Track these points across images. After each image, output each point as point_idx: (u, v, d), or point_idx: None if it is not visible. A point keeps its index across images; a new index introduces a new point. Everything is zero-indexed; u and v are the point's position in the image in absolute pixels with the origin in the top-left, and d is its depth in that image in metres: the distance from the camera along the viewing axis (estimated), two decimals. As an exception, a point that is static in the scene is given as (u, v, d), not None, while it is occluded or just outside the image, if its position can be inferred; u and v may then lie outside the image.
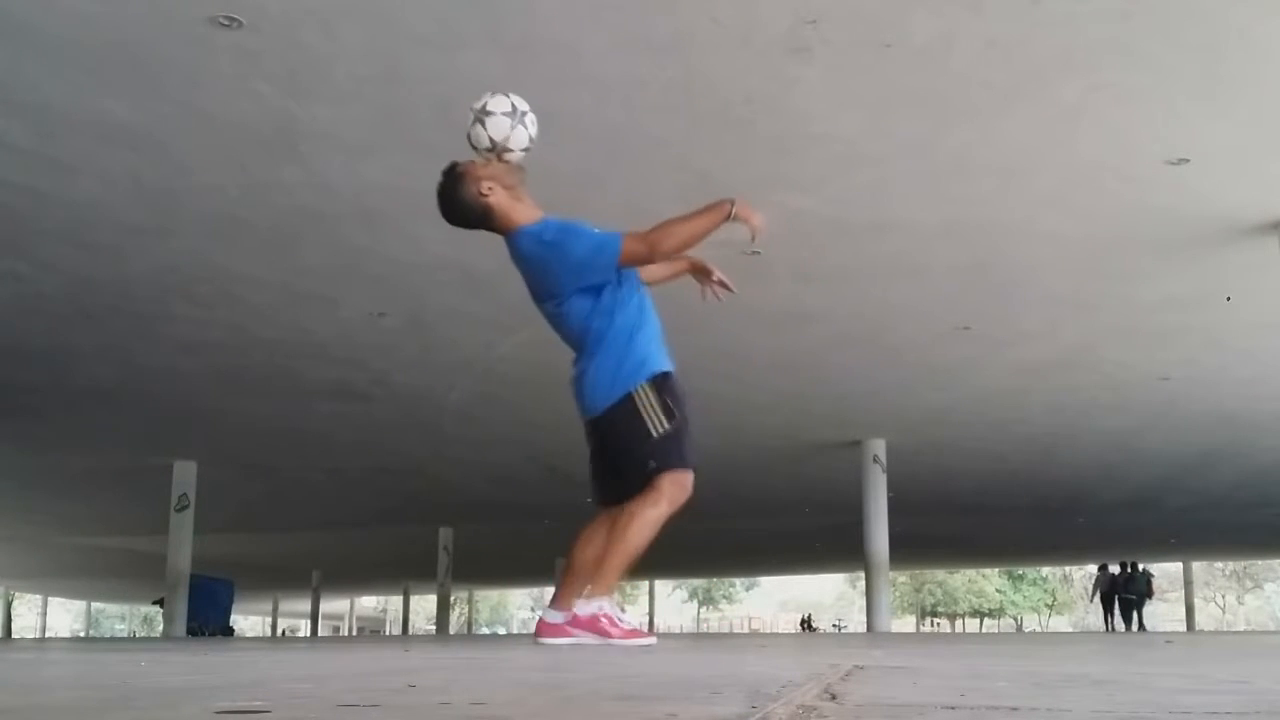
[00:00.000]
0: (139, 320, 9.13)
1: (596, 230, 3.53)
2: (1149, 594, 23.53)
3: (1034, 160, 6.37)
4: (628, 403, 3.47)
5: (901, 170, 6.49)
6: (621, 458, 3.56)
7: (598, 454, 3.66)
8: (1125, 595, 23.03)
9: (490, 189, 3.48)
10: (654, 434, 3.44)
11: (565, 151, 6.17)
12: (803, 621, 35.39)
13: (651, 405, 3.45)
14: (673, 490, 3.46)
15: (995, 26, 5.02)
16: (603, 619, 3.47)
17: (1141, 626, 22.74)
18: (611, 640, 3.44)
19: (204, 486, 15.50)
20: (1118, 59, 5.30)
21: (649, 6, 4.91)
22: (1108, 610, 23.76)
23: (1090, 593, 26.50)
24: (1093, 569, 28.71)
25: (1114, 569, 24.15)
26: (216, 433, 13.49)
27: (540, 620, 3.69)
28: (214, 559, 23.63)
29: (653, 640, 3.66)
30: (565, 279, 3.48)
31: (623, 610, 3.72)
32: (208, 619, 21.31)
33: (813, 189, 6.70)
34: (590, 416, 3.57)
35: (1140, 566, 23.80)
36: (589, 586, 3.51)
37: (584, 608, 3.49)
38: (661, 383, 3.50)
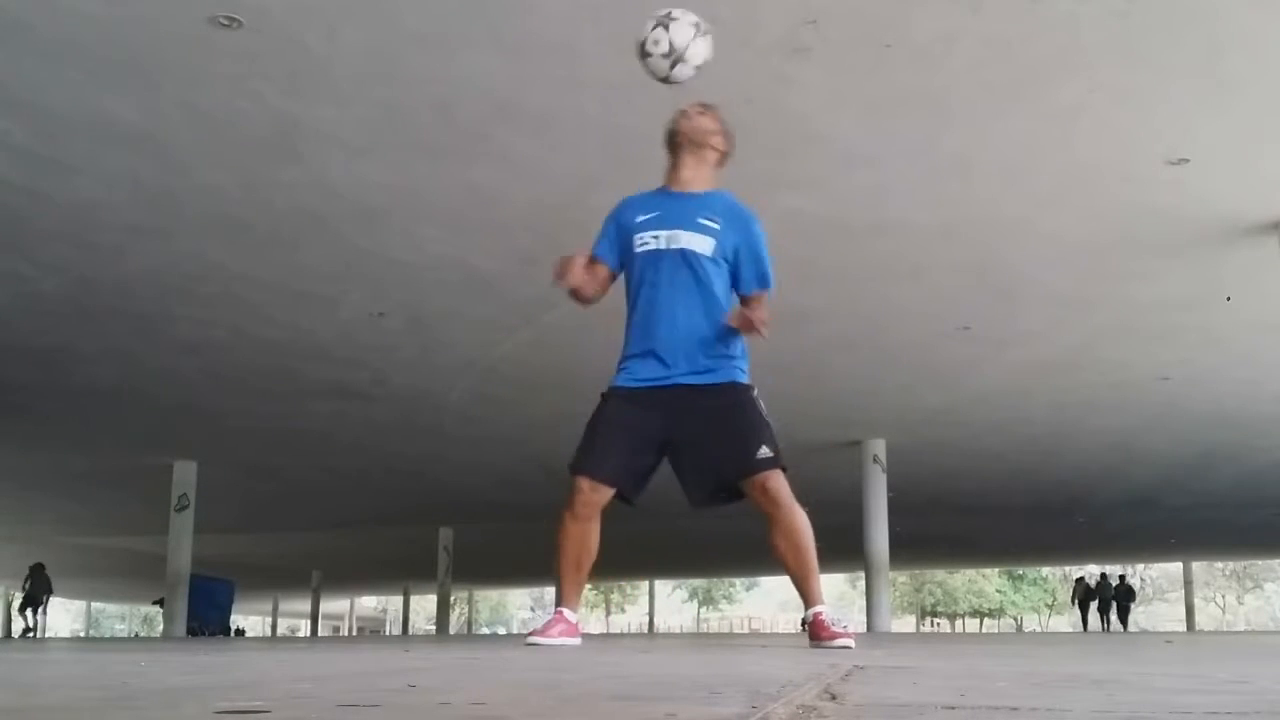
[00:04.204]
0: (139, 320, 9.13)
1: None
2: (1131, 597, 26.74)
3: (1034, 160, 6.37)
4: None
5: (901, 170, 6.49)
6: None
7: None
8: (1123, 603, 25.72)
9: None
10: None
11: (565, 151, 6.18)
12: (803, 621, 35.39)
13: None
14: None
15: (995, 26, 5.02)
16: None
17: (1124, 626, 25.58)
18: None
19: (204, 486, 15.51)
20: (1118, 59, 5.30)
21: (649, 7, 4.90)
22: (1085, 615, 26.66)
23: (1071, 598, 28.94)
24: (1094, 569, 29.71)
25: (1093, 579, 27.33)
26: (216, 433, 13.49)
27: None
28: (214, 559, 23.63)
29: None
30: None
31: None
32: (208, 619, 21.38)
33: (812, 189, 6.69)
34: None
35: (1123, 577, 27.21)
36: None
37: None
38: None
